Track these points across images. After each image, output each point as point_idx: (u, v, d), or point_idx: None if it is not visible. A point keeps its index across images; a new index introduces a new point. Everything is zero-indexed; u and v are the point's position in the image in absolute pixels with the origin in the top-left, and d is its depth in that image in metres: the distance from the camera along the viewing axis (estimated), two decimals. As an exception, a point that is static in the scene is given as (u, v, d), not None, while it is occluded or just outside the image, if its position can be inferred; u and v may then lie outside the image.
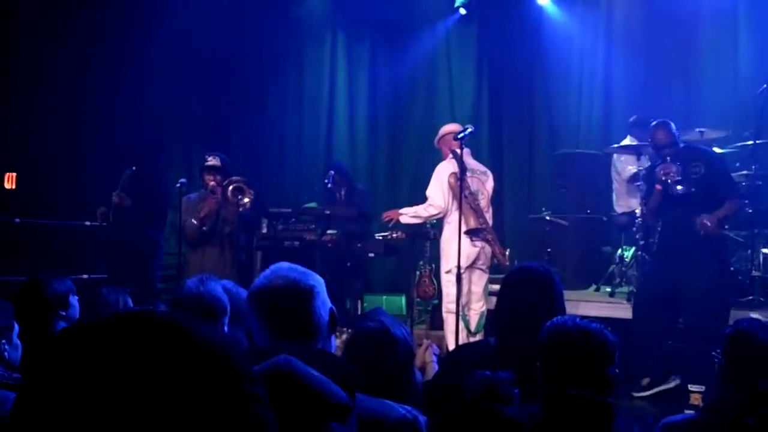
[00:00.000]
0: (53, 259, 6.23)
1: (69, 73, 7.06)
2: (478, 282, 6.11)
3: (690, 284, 5.49)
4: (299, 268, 2.04)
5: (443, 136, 6.28)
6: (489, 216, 6.17)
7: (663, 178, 5.62)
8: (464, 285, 5.95)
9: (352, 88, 9.42)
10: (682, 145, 5.71)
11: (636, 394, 5.70)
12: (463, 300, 5.89)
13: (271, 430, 0.78)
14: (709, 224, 5.46)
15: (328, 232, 7.18)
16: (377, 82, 9.29)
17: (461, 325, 5.83)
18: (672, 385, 5.32)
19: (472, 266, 6.04)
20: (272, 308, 1.95)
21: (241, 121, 8.65)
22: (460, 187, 5.83)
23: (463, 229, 5.88)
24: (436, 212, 6.12)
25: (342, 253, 7.20)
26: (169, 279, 7.04)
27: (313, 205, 7.75)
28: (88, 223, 6.72)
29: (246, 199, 5.92)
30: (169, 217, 6.73)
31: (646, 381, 5.72)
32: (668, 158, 5.61)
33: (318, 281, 2.01)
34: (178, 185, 6.12)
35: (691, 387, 5.37)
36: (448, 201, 6.04)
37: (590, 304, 6.42)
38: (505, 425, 1.68)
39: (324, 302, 1.99)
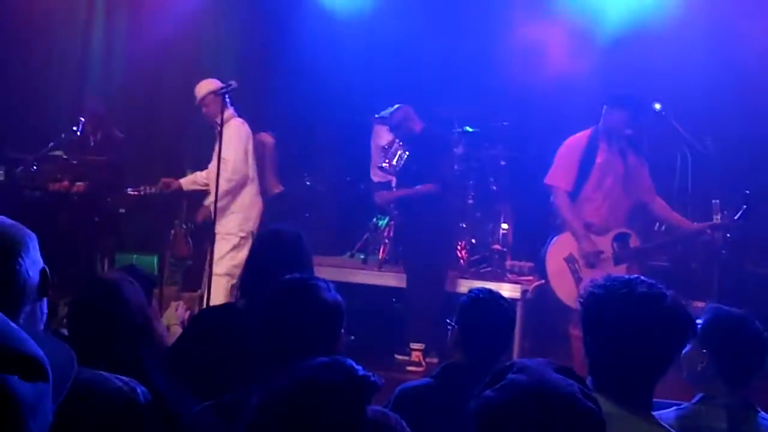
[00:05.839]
0: None
1: None
2: None
3: (414, 256, 5.98)
4: (6, 220, 1.81)
5: (207, 95, 5.87)
6: None
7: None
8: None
9: (107, 31, 8.79)
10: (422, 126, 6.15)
11: (398, 356, 5.99)
12: None
13: None
14: (377, 199, 6.33)
15: (77, 183, 6.69)
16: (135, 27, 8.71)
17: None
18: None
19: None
20: None
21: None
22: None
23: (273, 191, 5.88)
24: (240, 180, 5.82)
25: (90, 206, 6.72)
26: None
27: (59, 153, 7.17)
28: None
29: None
30: None
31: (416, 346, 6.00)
32: (397, 139, 6.18)
33: (29, 235, 1.79)
34: None
35: (413, 345, 5.79)
36: (251, 165, 5.85)
37: (361, 273, 6.59)
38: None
39: (35, 261, 1.77)
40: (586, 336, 1.88)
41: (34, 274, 1.75)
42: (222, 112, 5.57)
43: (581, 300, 1.91)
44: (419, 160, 5.98)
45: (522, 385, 1.32)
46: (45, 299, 1.80)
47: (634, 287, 1.82)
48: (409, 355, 5.93)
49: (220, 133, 5.58)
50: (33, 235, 1.78)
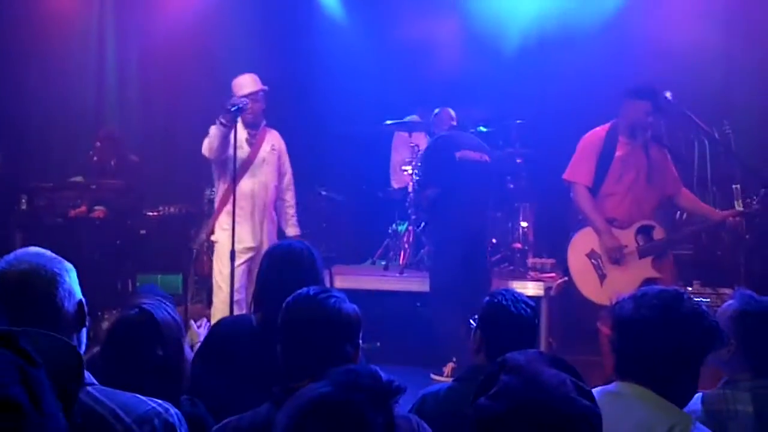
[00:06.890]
0: None
1: None
2: None
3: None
4: (47, 253, 1.84)
5: (261, 89, 5.59)
6: None
7: None
8: None
9: (121, 56, 8.86)
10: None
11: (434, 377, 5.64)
12: None
13: None
14: None
15: (96, 207, 6.75)
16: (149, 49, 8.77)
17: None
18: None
19: None
20: (8, 295, 1.76)
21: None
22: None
23: None
24: None
25: (111, 230, 6.78)
26: None
27: (79, 179, 7.24)
28: None
29: None
30: None
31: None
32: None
33: (66, 269, 1.83)
34: None
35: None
36: None
37: (383, 279, 6.54)
38: None
39: (71, 293, 1.80)
40: (613, 334, 2.06)
41: (69, 306, 1.78)
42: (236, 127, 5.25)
43: (611, 303, 2.11)
44: None
45: (516, 391, 1.31)
46: (84, 330, 1.83)
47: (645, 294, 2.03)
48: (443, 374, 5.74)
49: (260, 137, 5.65)
50: (70, 268, 1.82)
